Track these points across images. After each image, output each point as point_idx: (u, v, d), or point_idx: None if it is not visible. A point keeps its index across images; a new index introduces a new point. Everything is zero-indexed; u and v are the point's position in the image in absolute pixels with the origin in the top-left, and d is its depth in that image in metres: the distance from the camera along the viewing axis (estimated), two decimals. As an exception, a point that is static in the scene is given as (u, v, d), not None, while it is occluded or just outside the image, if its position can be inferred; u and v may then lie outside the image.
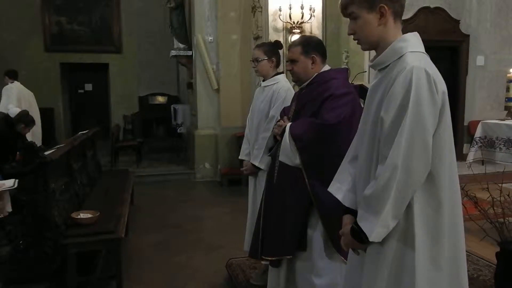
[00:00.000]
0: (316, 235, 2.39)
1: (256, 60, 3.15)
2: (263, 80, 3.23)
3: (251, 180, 3.30)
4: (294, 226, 2.40)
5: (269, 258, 2.53)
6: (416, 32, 1.57)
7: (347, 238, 1.60)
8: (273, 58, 3.14)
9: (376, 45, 1.57)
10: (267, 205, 2.61)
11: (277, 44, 3.24)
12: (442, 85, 1.46)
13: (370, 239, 1.47)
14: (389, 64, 1.51)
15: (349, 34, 1.61)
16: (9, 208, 3.21)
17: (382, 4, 1.49)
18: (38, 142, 7.03)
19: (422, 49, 1.53)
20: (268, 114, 3.09)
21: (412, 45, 1.50)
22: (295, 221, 2.39)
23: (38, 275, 3.05)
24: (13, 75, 7.14)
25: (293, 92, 3.05)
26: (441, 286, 1.50)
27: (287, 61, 2.58)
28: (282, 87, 3.11)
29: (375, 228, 1.45)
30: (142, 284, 3.43)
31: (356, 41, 1.61)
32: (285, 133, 2.40)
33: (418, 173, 1.42)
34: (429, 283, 1.47)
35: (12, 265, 3.10)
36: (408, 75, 1.41)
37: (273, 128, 2.61)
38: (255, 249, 2.66)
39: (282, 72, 3.27)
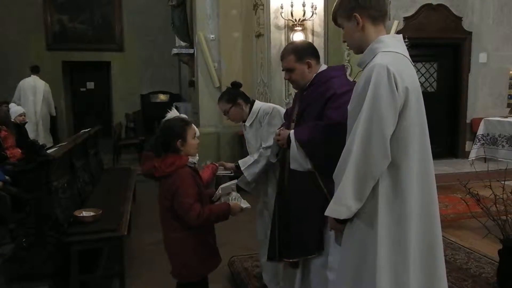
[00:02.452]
0: (331, 233, 2.39)
1: (225, 113, 3.08)
2: (245, 121, 3.13)
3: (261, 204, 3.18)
4: (312, 227, 2.37)
5: (290, 260, 2.50)
6: (395, 34, 1.75)
7: (330, 219, 1.76)
8: (238, 101, 3.04)
9: (360, 48, 1.75)
10: (281, 209, 2.57)
11: (235, 85, 3.14)
12: (406, 82, 1.56)
13: (325, 213, 1.66)
14: (367, 63, 1.66)
15: (343, 41, 1.88)
16: None
17: (354, 13, 1.68)
18: (40, 136, 7.62)
19: (399, 49, 1.66)
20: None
21: (386, 45, 1.64)
22: (312, 222, 2.37)
23: (41, 273, 3.06)
24: (32, 70, 8.10)
25: (276, 107, 3.04)
26: (402, 268, 1.59)
27: (283, 70, 2.54)
28: (267, 111, 3.02)
29: (331, 203, 1.63)
30: (145, 282, 3.43)
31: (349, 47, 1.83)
32: (292, 141, 2.37)
33: (375, 160, 1.54)
34: (390, 263, 1.58)
35: (15, 263, 3.11)
36: (370, 72, 1.56)
37: (274, 138, 2.57)
38: (272, 253, 2.63)
39: (254, 101, 3.16)
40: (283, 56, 2.49)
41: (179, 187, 2.24)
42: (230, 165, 3.12)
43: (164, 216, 2.37)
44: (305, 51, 2.45)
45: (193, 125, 2.45)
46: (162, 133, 2.37)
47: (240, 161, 3.06)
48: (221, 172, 3.07)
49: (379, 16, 1.71)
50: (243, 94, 3.12)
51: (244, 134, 3.24)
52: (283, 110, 2.99)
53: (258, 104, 3.10)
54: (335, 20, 1.80)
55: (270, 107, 3.05)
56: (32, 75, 7.97)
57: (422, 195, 1.62)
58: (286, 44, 2.63)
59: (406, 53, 1.68)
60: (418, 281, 1.62)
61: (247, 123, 3.10)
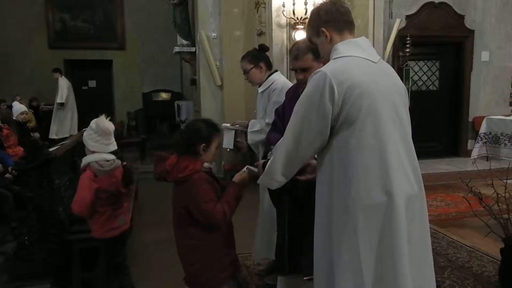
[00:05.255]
0: None
1: (245, 72, 3.09)
2: (259, 86, 3.15)
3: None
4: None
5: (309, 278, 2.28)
6: (351, 39, 1.85)
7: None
8: (261, 64, 3.06)
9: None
10: (295, 222, 2.43)
11: (262, 48, 3.16)
12: (348, 82, 1.68)
13: (258, 181, 2.02)
14: None
15: (321, 58, 2.08)
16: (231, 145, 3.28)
17: (321, 28, 1.87)
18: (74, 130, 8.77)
19: (353, 52, 1.79)
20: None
21: (338, 52, 1.81)
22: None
23: (43, 270, 3.07)
24: (60, 71, 9.33)
25: (285, 85, 2.96)
26: (353, 255, 1.68)
27: (292, 69, 2.45)
28: (276, 86, 3.02)
29: (263, 176, 1.95)
30: (146, 280, 3.44)
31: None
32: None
33: (304, 149, 1.78)
34: (343, 249, 1.70)
35: (18, 261, 3.12)
36: (311, 77, 1.77)
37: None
38: (281, 266, 2.54)
39: (276, 70, 3.17)
40: (298, 55, 2.36)
41: (196, 195, 2.11)
42: (244, 123, 3.21)
43: (179, 223, 2.25)
44: None
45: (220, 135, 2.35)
46: (188, 132, 2.24)
47: (251, 121, 3.15)
48: (237, 127, 3.19)
49: (343, 26, 1.87)
50: (267, 58, 3.14)
51: (257, 103, 3.28)
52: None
53: (275, 76, 3.10)
54: (310, 40, 2.00)
55: (281, 84, 3.03)
56: (62, 76, 9.21)
57: (378, 188, 1.68)
58: (293, 42, 2.55)
59: (364, 54, 1.80)
60: (376, 270, 1.69)
61: (260, 90, 3.12)
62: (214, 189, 2.20)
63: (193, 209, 2.13)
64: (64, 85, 9.03)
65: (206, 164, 2.23)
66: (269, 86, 3.08)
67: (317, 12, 1.91)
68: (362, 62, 1.78)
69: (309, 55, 2.35)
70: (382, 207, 1.68)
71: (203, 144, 2.18)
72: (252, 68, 3.06)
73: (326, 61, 1.92)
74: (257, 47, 3.23)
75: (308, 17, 1.98)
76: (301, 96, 1.80)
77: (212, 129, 2.25)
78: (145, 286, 3.36)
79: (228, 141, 3.19)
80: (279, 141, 1.87)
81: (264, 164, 2.04)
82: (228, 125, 3.24)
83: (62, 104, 8.97)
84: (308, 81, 1.78)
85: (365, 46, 1.85)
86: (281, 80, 3.10)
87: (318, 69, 1.76)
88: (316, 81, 1.71)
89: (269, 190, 2.65)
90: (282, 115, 2.58)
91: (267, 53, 3.27)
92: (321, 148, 1.78)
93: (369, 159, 1.68)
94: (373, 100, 1.70)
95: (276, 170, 1.87)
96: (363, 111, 1.69)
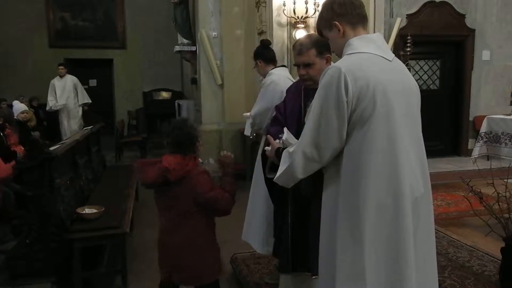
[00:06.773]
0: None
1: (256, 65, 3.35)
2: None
3: (257, 169, 3.20)
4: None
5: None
6: (366, 35, 1.80)
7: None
8: (258, 61, 3.27)
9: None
10: (299, 221, 2.42)
11: (263, 44, 3.35)
12: (362, 80, 1.64)
13: (274, 180, 1.91)
14: None
15: (331, 51, 2.01)
16: None
17: (333, 22, 1.80)
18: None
19: (367, 49, 1.73)
20: None
21: (352, 48, 1.76)
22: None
23: (43, 270, 3.07)
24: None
25: (277, 85, 3.01)
26: (358, 257, 1.65)
27: (295, 65, 2.46)
28: (265, 80, 3.20)
29: (281, 175, 1.86)
30: (147, 279, 3.44)
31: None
32: None
33: (322, 148, 1.70)
34: (346, 249, 1.67)
35: (18, 260, 3.12)
36: (324, 74, 1.71)
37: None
38: (285, 265, 2.52)
39: (283, 66, 3.32)
40: (301, 50, 2.36)
41: (200, 187, 2.24)
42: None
43: (184, 221, 2.28)
44: (325, 46, 2.31)
45: None
46: (187, 133, 2.30)
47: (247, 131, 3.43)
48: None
49: (357, 21, 1.81)
50: (268, 54, 3.28)
51: None
52: (284, 87, 2.86)
53: (275, 70, 3.22)
54: (320, 33, 1.94)
55: (270, 80, 3.14)
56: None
57: (388, 189, 1.65)
58: (297, 39, 2.57)
59: (379, 51, 1.75)
60: (379, 273, 1.65)
61: (262, 81, 3.30)
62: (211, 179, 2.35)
63: (200, 200, 2.25)
64: (80, 84, 8.82)
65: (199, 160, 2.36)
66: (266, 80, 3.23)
67: (331, 4, 1.82)
68: (377, 60, 1.73)
69: (312, 51, 2.34)
70: (389, 209, 1.65)
71: (199, 141, 2.33)
72: (255, 64, 3.31)
73: (338, 55, 1.87)
74: (260, 42, 3.43)
75: (320, 9, 1.92)
76: (315, 96, 1.74)
77: (196, 127, 2.40)
78: (145, 286, 3.36)
79: (247, 129, 3.43)
80: (296, 144, 1.81)
81: (278, 150, 2.02)
82: (248, 114, 3.41)
83: (87, 104, 8.91)
84: (321, 78, 1.72)
85: (380, 43, 1.80)
86: (271, 76, 3.17)
87: (332, 65, 1.72)
88: (331, 75, 1.66)
89: (270, 189, 2.66)
90: (284, 110, 2.59)
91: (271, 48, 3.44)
92: (338, 150, 1.70)
93: (379, 161, 1.65)
94: (387, 99, 1.66)
95: (296, 174, 1.81)
96: (377, 110, 1.64)
